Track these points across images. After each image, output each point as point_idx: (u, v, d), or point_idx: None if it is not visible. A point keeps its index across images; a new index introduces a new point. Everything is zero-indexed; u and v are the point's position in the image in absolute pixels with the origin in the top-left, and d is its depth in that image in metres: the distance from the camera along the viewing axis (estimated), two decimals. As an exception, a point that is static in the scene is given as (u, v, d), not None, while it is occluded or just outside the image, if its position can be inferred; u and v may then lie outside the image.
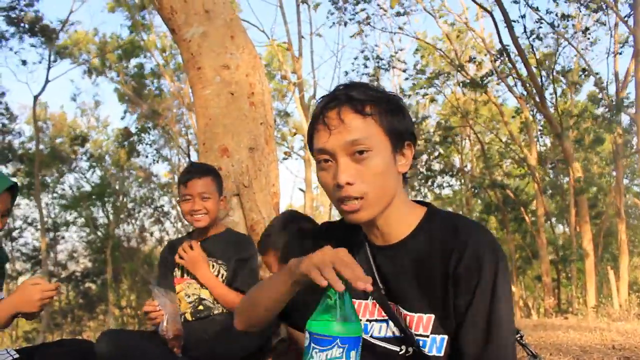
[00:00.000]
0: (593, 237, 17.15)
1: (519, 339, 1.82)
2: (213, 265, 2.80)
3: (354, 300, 1.49)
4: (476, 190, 23.84)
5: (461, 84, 18.85)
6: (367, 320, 1.50)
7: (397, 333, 1.45)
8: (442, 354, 1.38)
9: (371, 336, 1.49)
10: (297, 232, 2.54)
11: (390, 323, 1.46)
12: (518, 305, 21.65)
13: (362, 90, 1.38)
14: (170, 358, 2.52)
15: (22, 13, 18.94)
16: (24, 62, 20.56)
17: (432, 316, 1.39)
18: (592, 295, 15.16)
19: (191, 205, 2.78)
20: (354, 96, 1.36)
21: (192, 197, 2.78)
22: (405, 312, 1.43)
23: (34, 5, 19.15)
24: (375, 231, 1.47)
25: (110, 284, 24.95)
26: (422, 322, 1.40)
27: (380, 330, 1.48)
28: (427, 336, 1.40)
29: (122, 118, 25.23)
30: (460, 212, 20.65)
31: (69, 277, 27.90)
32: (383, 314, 1.48)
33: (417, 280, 1.41)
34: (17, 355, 2.32)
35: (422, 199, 2.80)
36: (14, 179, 2.30)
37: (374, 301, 1.49)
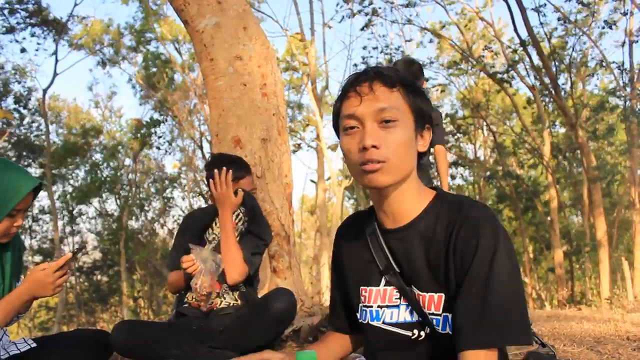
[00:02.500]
0: (607, 228, 17.01)
1: None
2: (238, 213, 2.85)
3: (364, 287, 1.59)
4: (490, 181, 23.69)
5: (480, 72, 18.63)
6: (379, 307, 1.55)
7: (408, 318, 1.51)
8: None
9: (383, 322, 1.54)
10: None
11: (402, 308, 1.52)
12: (531, 296, 21.57)
13: (391, 71, 1.50)
14: (184, 347, 2.54)
15: (29, 6, 19.01)
16: (22, 50, 20.82)
17: (442, 295, 1.44)
18: (606, 286, 15.06)
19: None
20: (383, 72, 1.47)
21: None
22: (418, 292, 1.48)
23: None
24: (386, 211, 1.52)
25: (125, 275, 25.10)
26: (433, 301, 1.45)
27: (392, 315, 1.53)
28: (440, 315, 1.44)
29: (141, 104, 25.36)
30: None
31: (80, 269, 28.13)
32: (394, 299, 1.53)
33: (427, 260, 1.46)
34: (34, 344, 2.35)
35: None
36: (37, 178, 2.33)
37: (385, 287, 1.55)
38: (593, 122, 18.25)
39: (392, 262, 1.53)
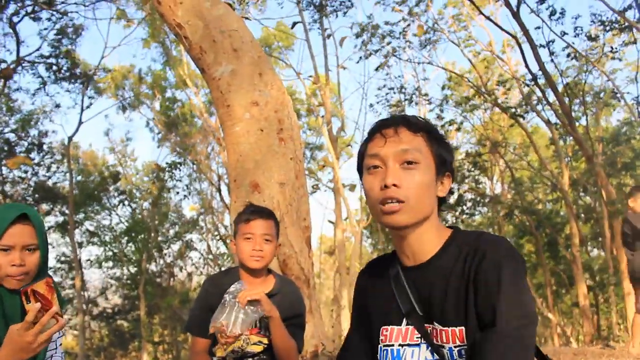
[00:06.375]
0: (631, 261, 16.66)
1: None
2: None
3: (386, 327, 1.62)
4: (509, 217, 23.45)
5: (494, 107, 18.66)
6: (400, 345, 1.58)
7: (429, 357, 1.53)
8: None
9: None
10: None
11: (422, 347, 1.54)
12: (556, 332, 21.12)
13: (416, 118, 1.60)
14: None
15: (60, 61, 19.71)
16: (58, 106, 21.59)
17: (463, 328, 1.47)
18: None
19: (252, 245, 2.70)
20: (409, 119, 1.58)
21: (253, 236, 2.71)
22: (440, 327, 1.51)
23: (72, 54, 19.86)
24: (406, 251, 1.58)
25: (144, 321, 25.01)
26: (456, 335, 1.47)
27: (413, 354, 1.55)
28: (460, 347, 1.47)
29: (159, 147, 25.47)
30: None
31: (100, 314, 28.07)
32: (415, 338, 1.56)
33: (447, 294, 1.50)
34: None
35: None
36: (26, 208, 2.19)
37: (407, 326, 1.58)
38: (610, 155, 18.11)
39: (414, 304, 1.56)
